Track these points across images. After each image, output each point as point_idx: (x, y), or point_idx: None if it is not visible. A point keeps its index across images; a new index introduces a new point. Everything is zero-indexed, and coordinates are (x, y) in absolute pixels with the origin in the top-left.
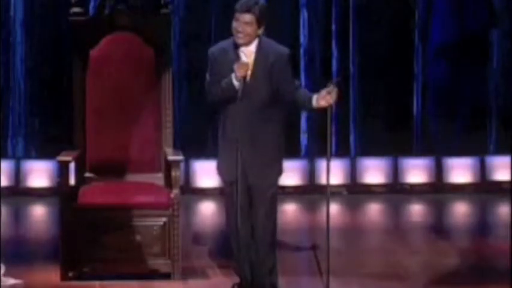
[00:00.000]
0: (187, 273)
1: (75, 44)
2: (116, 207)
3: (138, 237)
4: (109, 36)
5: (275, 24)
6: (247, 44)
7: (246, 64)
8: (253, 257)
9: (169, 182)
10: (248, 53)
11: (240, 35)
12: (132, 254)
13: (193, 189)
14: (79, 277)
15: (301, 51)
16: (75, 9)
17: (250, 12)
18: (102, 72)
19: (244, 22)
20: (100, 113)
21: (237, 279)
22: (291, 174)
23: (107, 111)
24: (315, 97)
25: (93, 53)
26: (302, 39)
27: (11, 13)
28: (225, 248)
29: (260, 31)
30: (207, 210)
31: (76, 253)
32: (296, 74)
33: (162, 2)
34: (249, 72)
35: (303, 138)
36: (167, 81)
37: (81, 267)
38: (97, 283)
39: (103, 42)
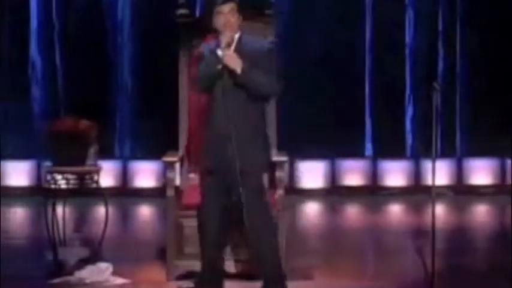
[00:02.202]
0: (292, 273)
1: (181, 45)
2: None
3: (242, 238)
4: (209, 37)
5: (381, 24)
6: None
7: (231, 35)
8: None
9: (273, 183)
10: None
11: (227, 27)
12: (237, 253)
13: (297, 190)
14: (185, 277)
15: (407, 51)
16: (182, 11)
17: (231, 1)
18: None
19: (227, 12)
20: (203, 114)
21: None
22: (396, 175)
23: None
24: None
25: (196, 53)
26: (408, 39)
27: (119, 15)
28: (330, 248)
29: (239, 21)
30: (311, 210)
31: (182, 253)
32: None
33: (267, 3)
34: (232, 48)
35: (408, 138)
36: None
37: (187, 267)
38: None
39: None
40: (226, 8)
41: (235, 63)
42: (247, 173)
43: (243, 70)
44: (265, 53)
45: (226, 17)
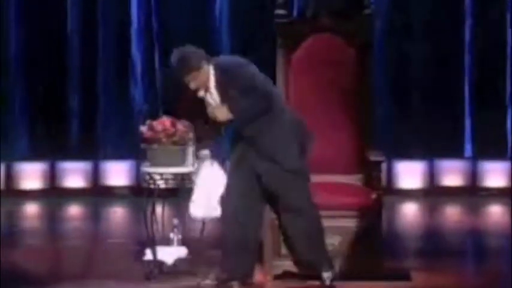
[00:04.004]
0: (391, 274)
1: (279, 45)
2: (319, 208)
3: (339, 239)
4: (311, 38)
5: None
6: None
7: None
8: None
9: (370, 183)
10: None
11: (200, 89)
12: (335, 255)
13: (395, 191)
14: (281, 277)
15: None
16: (280, 11)
17: (185, 75)
18: (304, 73)
19: (190, 82)
20: (301, 113)
21: None
22: (495, 176)
23: (308, 111)
24: None
25: (296, 54)
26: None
27: (216, 13)
28: (429, 248)
29: (204, 69)
30: (410, 211)
31: (278, 253)
32: None
33: (365, 2)
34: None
35: (509, 139)
36: (368, 82)
37: (283, 267)
38: (299, 283)
39: (305, 43)
40: (187, 79)
41: (222, 116)
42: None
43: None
44: (239, 79)
45: (192, 84)
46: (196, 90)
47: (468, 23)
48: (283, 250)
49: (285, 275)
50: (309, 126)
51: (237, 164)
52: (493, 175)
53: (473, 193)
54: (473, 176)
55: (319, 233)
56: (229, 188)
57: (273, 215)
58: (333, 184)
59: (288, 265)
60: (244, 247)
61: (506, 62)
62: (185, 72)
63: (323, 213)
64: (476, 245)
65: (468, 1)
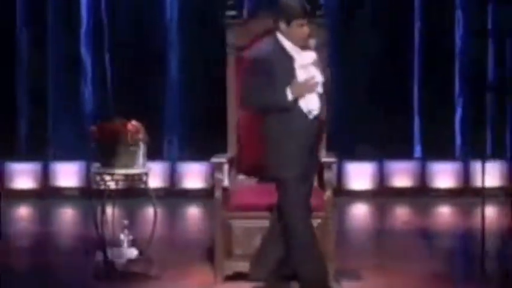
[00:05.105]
0: (341, 274)
1: (229, 45)
2: (269, 208)
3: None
4: (261, 39)
5: (429, 24)
6: None
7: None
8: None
9: (321, 184)
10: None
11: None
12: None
13: (346, 192)
14: (232, 278)
15: (456, 51)
16: (230, 12)
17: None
18: None
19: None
20: (252, 115)
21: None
22: (444, 177)
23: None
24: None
25: (246, 55)
26: (457, 39)
27: (167, 15)
28: (379, 249)
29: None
30: (360, 211)
31: (231, 254)
32: None
33: (316, 4)
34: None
35: (458, 139)
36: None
37: (235, 268)
38: (251, 285)
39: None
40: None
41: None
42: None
43: None
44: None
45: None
46: None
47: (417, 25)
48: (236, 251)
49: (236, 276)
50: (256, 127)
51: None
52: (442, 176)
53: (423, 194)
54: (423, 176)
55: (293, 245)
56: None
57: (226, 214)
58: None
59: (240, 266)
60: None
61: (454, 64)
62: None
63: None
64: (425, 246)
65: (417, 2)
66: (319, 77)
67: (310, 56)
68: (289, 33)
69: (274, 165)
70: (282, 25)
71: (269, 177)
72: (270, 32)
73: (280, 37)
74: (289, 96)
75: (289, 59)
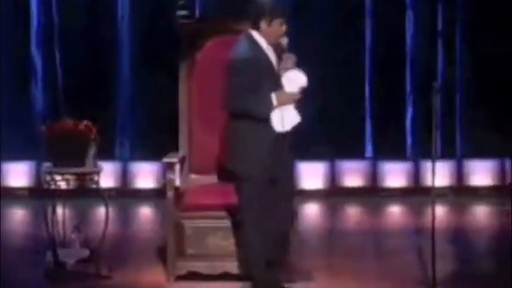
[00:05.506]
0: (293, 275)
1: (182, 45)
2: (221, 208)
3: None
4: (215, 39)
5: (380, 25)
6: None
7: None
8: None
9: None
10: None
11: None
12: (238, 255)
13: (298, 191)
14: (185, 278)
15: (407, 50)
16: (182, 12)
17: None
18: (207, 74)
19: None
20: (204, 115)
21: None
22: (395, 176)
23: (212, 113)
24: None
25: (199, 56)
26: (407, 39)
27: (119, 13)
28: (331, 249)
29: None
30: (311, 211)
31: (183, 253)
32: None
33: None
34: None
35: (408, 139)
36: None
37: (188, 268)
38: (203, 284)
39: (208, 45)
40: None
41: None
42: None
43: None
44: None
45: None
46: None
47: (368, 23)
48: (188, 250)
49: (189, 276)
50: (212, 128)
51: None
52: (393, 175)
53: (374, 193)
54: (374, 176)
55: (242, 244)
56: None
57: (177, 214)
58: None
59: (192, 265)
60: None
61: (405, 64)
62: None
63: (226, 214)
64: (377, 245)
65: (368, 2)
66: (303, 79)
67: (291, 60)
68: (268, 32)
69: (234, 161)
70: (263, 24)
71: (227, 173)
72: (238, 32)
73: (256, 36)
74: (274, 101)
75: (266, 57)
